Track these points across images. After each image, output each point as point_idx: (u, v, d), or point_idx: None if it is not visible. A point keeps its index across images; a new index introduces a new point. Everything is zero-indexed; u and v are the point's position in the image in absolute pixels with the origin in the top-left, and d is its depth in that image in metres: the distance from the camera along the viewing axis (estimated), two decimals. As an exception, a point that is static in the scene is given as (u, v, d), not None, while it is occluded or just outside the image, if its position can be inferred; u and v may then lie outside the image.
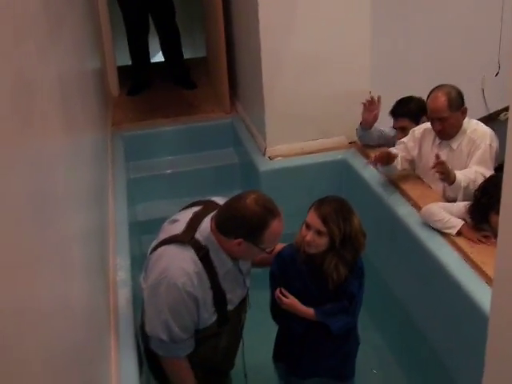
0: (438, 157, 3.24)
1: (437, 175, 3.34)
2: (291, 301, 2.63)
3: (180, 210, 2.65)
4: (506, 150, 1.35)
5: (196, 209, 2.54)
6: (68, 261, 1.77)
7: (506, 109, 5.74)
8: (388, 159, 3.52)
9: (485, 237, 3.01)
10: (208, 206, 2.55)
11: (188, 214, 2.52)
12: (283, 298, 2.63)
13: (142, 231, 4.22)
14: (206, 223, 2.43)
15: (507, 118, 4.71)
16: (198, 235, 2.40)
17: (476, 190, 3.07)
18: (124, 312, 2.70)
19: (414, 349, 3.41)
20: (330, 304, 2.62)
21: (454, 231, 3.12)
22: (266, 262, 2.72)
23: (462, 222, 3.11)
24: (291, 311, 2.64)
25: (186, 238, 2.40)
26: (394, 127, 3.91)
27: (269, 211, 2.35)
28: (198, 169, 4.80)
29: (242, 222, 2.34)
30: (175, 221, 2.53)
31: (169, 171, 4.80)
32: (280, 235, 2.43)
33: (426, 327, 3.34)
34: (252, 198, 2.35)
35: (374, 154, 3.90)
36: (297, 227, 2.65)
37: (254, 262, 2.71)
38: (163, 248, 2.42)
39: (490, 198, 2.89)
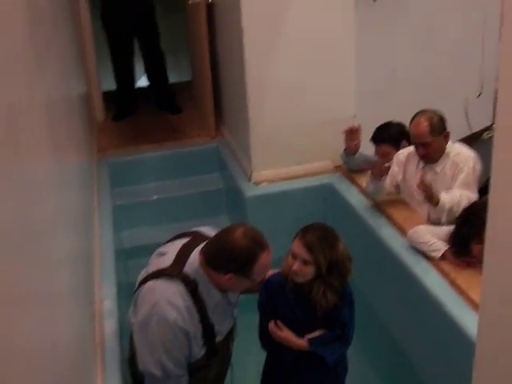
0: (422, 177, 3.26)
1: (422, 197, 3.36)
2: (285, 334, 2.62)
3: (167, 242, 2.63)
4: (491, 179, 1.36)
5: (184, 241, 2.53)
6: (53, 290, 1.76)
7: (488, 128, 5.83)
8: (381, 171, 3.54)
9: (468, 262, 3.01)
10: (196, 237, 2.54)
11: (176, 246, 2.51)
12: (277, 332, 2.62)
13: (128, 258, 4.20)
14: (195, 256, 2.42)
15: (490, 137, 4.79)
16: (187, 269, 2.39)
17: (457, 218, 3.09)
18: (111, 343, 2.67)
19: (401, 374, 3.40)
20: (320, 331, 2.61)
21: (438, 254, 3.13)
22: (253, 288, 2.71)
23: (447, 247, 3.12)
24: (284, 343, 2.63)
25: (174, 272, 2.39)
26: (375, 153, 3.93)
27: (258, 244, 2.35)
28: (183, 194, 4.79)
29: (232, 258, 2.34)
30: (163, 253, 2.51)
31: (154, 197, 4.79)
32: (269, 266, 2.44)
33: (413, 352, 3.33)
34: (240, 231, 2.35)
35: (359, 177, 3.95)
36: (283, 252, 2.65)
37: (244, 290, 2.70)
38: (152, 282, 2.40)
39: (471, 227, 2.91)
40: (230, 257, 2.34)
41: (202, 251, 2.41)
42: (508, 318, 1.46)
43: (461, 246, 3.03)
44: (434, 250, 3.15)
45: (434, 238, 3.18)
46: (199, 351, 2.44)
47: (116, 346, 2.69)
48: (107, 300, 3.00)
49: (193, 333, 2.38)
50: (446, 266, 3.09)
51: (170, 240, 2.62)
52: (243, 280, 2.39)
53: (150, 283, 2.41)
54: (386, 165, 3.57)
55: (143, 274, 2.51)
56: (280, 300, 2.64)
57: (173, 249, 2.50)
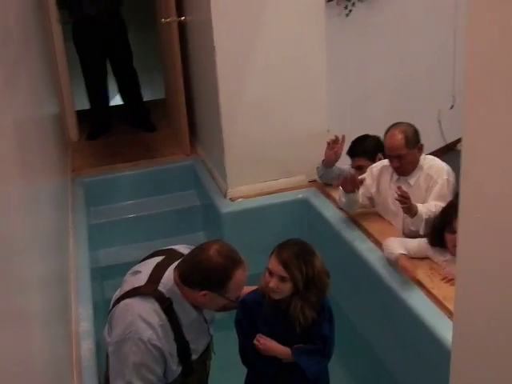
0: (400, 188, 3.29)
1: (397, 208, 3.40)
2: (270, 343, 2.60)
3: (141, 261, 2.61)
4: (460, 183, 1.38)
5: (158, 259, 2.52)
6: (27, 311, 1.74)
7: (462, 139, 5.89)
8: (353, 184, 3.55)
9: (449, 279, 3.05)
10: (170, 255, 2.53)
11: (150, 264, 2.50)
12: (261, 341, 2.60)
13: (104, 277, 4.17)
14: (169, 274, 2.41)
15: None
16: (162, 287, 2.38)
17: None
18: (88, 364, 2.65)
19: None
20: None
21: (391, 257, 3.18)
22: (229, 306, 2.71)
23: (402, 254, 3.16)
24: (269, 353, 2.62)
25: (149, 291, 2.37)
26: (351, 166, 3.96)
27: (232, 261, 2.35)
28: (159, 212, 4.77)
29: (207, 275, 2.33)
30: (137, 272, 2.50)
31: (130, 215, 4.76)
32: (244, 283, 2.43)
33: (392, 363, 3.34)
34: (215, 249, 2.34)
35: (334, 191, 3.96)
36: (260, 268, 2.65)
37: (220, 308, 2.70)
38: (126, 301, 2.39)
39: (445, 217, 3.03)
40: (205, 274, 2.33)
41: (177, 269, 2.40)
42: (481, 325, 1.47)
43: (435, 236, 3.12)
44: (391, 253, 3.19)
45: (397, 245, 3.22)
46: (175, 370, 2.43)
47: (93, 367, 2.66)
48: (84, 321, 2.97)
49: (168, 351, 2.36)
50: (421, 277, 3.11)
51: (145, 258, 2.61)
52: (218, 297, 2.38)
53: (124, 302, 2.39)
54: (360, 177, 3.59)
55: (118, 293, 2.50)
56: (258, 318, 2.63)
57: (147, 267, 2.48)
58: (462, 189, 1.40)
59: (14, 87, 2.17)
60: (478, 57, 1.21)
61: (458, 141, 5.93)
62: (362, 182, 3.59)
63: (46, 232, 2.58)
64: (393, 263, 3.20)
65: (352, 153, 3.92)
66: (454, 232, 2.99)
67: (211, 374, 2.73)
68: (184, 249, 2.55)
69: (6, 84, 1.96)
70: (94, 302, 3.20)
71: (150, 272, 2.44)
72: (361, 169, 3.82)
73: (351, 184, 3.54)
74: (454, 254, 3.06)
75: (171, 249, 2.60)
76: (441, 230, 3.09)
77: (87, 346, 2.76)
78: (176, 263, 2.43)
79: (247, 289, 2.69)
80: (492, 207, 1.31)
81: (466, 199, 1.39)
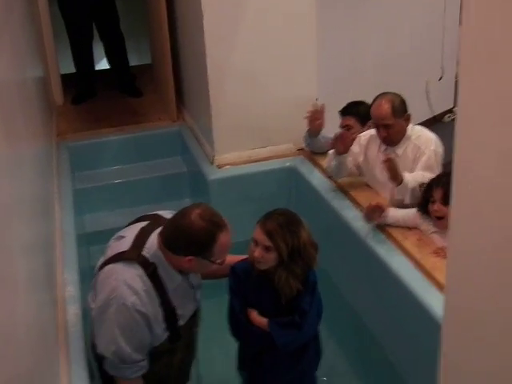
0: (387, 155, 3.30)
1: (384, 178, 3.39)
2: (251, 312, 2.61)
3: (126, 226, 2.60)
4: (454, 153, 1.36)
5: (142, 224, 2.50)
6: (10, 276, 1.72)
7: (450, 111, 5.91)
8: (345, 143, 3.53)
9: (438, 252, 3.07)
10: (154, 220, 2.51)
11: (134, 230, 2.48)
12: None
13: (90, 242, 4.15)
14: (153, 239, 2.39)
15: (451, 120, 4.84)
16: (146, 252, 2.37)
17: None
18: (74, 329, 2.63)
19: (370, 356, 3.43)
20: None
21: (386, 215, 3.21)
22: (220, 273, 2.71)
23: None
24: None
25: (133, 256, 2.36)
26: (340, 126, 3.93)
27: (215, 225, 2.33)
28: (145, 178, 4.74)
29: (191, 240, 2.32)
30: (121, 237, 2.49)
31: (116, 181, 4.73)
32: (229, 246, 2.42)
33: (379, 333, 3.36)
34: (197, 213, 2.32)
35: (322, 159, 3.95)
36: (247, 235, 2.64)
37: (209, 275, 2.69)
38: (110, 266, 2.37)
39: (430, 188, 3.05)
40: (189, 239, 2.32)
41: (161, 234, 2.39)
42: (473, 298, 1.47)
43: (423, 205, 3.13)
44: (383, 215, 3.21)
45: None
46: (161, 335, 2.42)
47: (79, 332, 2.65)
48: (70, 286, 2.95)
49: (153, 316, 2.36)
50: (409, 246, 3.11)
51: (129, 224, 2.59)
52: (204, 261, 2.37)
53: (108, 267, 2.38)
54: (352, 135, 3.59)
55: (102, 259, 2.48)
56: (247, 287, 2.63)
57: (131, 232, 2.47)
58: (455, 160, 1.38)
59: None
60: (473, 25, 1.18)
61: (446, 112, 5.92)
62: (352, 141, 3.56)
63: (31, 197, 2.55)
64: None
65: (344, 111, 3.91)
66: (433, 201, 3.01)
67: (199, 343, 2.73)
68: (169, 214, 2.53)
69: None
70: (79, 268, 3.18)
71: (134, 237, 2.43)
72: (348, 129, 3.81)
73: (343, 143, 3.52)
74: (436, 225, 3.08)
75: (156, 214, 2.58)
76: (426, 202, 3.10)
77: (73, 312, 2.75)
78: (160, 229, 2.41)
79: (237, 257, 2.69)
80: (487, 179, 1.30)
81: (459, 171, 1.37)
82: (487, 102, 1.24)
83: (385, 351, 3.30)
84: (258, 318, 2.61)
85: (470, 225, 1.41)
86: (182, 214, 2.37)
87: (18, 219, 2.03)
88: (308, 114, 3.87)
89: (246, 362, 2.82)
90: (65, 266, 3.12)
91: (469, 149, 1.32)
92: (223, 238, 2.35)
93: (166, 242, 2.35)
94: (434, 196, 3.01)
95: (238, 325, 2.66)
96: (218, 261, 2.40)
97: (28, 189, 2.51)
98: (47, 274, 2.66)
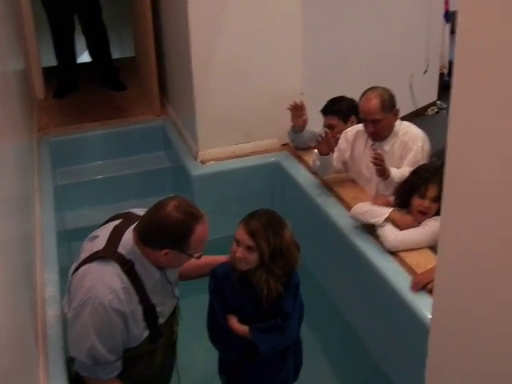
0: (375, 150, 3.27)
1: (371, 174, 3.38)
2: (230, 320, 2.56)
3: (99, 226, 2.54)
4: (447, 149, 1.32)
5: (116, 222, 2.44)
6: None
7: (433, 104, 5.92)
8: (329, 145, 3.48)
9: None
10: (128, 218, 2.45)
11: (108, 228, 2.42)
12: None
13: (71, 239, 4.09)
14: (128, 236, 2.33)
15: (435, 113, 4.86)
16: (121, 249, 2.31)
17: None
18: (53, 331, 2.58)
19: (354, 355, 3.40)
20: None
21: (381, 219, 3.10)
22: (199, 273, 2.66)
23: (390, 209, 3.11)
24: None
25: (108, 253, 2.30)
26: (323, 126, 3.91)
27: (191, 216, 2.27)
28: (128, 174, 4.69)
29: (166, 232, 2.26)
30: (95, 237, 2.42)
31: (98, 177, 4.67)
32: (206, 238, 2.35)
33: (364, 331, 3.33)
34: (172, 205, 2.26)
35: (306, 155, 3.91)
36: (229, 231, 2.60)
37: (189, 275, 2.65)
38: (85, 267, 2.31)
39: (418, 179, 3.00)
40: (165, 232, 2.26)
41: (136, 229, 2.33)
42: (462, 300, 1.44)
43: (402, 198, 3.10)
44: (376, 216, 3.12)
45: (375, 206, 3.18)
46: (141, 334, 2.37)
47: (59, 333, 2.60)
48: (50, 286, 2.90)
49: (131, 314, 2.30)
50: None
51: (102, 224, 2.53)
52: (181, 255, 2.32)
53: (83, 268, 2.31)
54: (335, 137, 3.54)
55: (75, 262, 2.41)
56: (227, 291, 2.57)
57: (104, 231, 2.41)
58: (448, 153, 1.34)
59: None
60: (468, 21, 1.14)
61: (429, 106, 5.93)
62: (336, 142, 3.53)
63: (9, 193, 2.49)
64: (376, 224, 3.14)
65: (326, 111, 3.88)
66: (423, 197, 2.98)
67: (180, 343, 2.68)
68: (141, 212, 2.47)
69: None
70: (60, 267, 3.12)
71: (107, 235, 2.37)
72: (332, 128, 3.78)
73: (327, 145, 3.49)
74: (417, 218, 3.04)
75: (128, 212, 2.53)
76: (410, 192, 3.06)
77: (53, 313, 2.69)
78: (135, 224, 2.35)
79: (218, 258, 2.64)
80: (479, 180, 1.26)
81: (451, 167, 1.33)
82: (480, 101, 1.20)
83: (368, 349, 3.27)
84: (237, 326, 2.56)
85: (460, 226, 1.38)
86: (157, 207, 2.31)
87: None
88: (289, 107, 3.84)
89: (226, 367, 2.77)
90: (45, 265, 3.06)
91: (461, 146, 1.28)
92: (200, 230, 2.29)
93: (142, 237, 2.30)
94: (425, 192, 2.97)
95: (219, 330, 2.61)
96: (196, 254, 2.34)
97: (6, 185, 2.45)
98: (26, 273, 2.60)
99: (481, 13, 1.09)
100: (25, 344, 2.21)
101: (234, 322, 2.56)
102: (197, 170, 4.18)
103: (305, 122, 3.92)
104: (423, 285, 2.78)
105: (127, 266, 2.29)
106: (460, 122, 1.24)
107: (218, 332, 2.63)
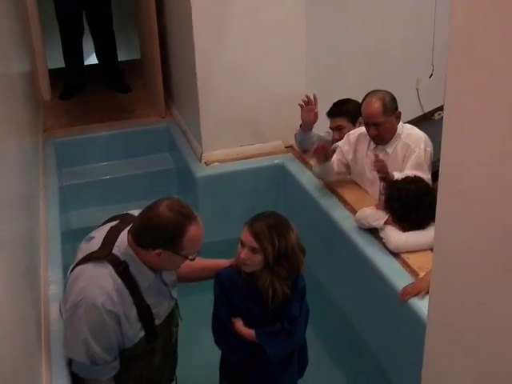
0: (377, 156, 3.27)
1: (374, 176, 3.38)
2: (236, 323, 2.56)
3: (98, 227, 2.55)
4: (441, 162, 1.34)
5: (112, 224, 2.45)
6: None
7: (440, 108, 5.90)
8: (325, 154, 3.50)
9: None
10: (124, 219, 2.45)
11: (104, 229, 2.43)
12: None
13: (76, 239, 4.08)
14: (123, 237, 2.34)
15: (441, 117, 4.81)
16: (116, 250, 2.31)
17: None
18: (57, 328, 2.58)
19: (356, 355, 3.41)
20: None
21: (382, 222, 3.13)
22: (203, 275, 2.67)
23: (387, 215, 3.14)
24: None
25: (102, 255, 2.30)
26: (330, 127, 3.90)
27: (184, 217, 2.26)
28: (133, 174, 4.71)
29: (158, 232, 2.26)
30: (91, 238, 2.43)
31: (103, 177, 4.69)
32: (200, 239, 2.34)
33: (366, 333, 3.34)
34: (165, 205, 2.26)
35: (311, 158, 3.91)
36: (234, 233, 2.60)
37: (192, 277, 2.65)
38: (80, 268, 2.32)
39: (404, 206, 3.05)
40: (157, 232, 2.25)
41: (130, 231, 2.34)
42: (457, 302, 1.45)
43: (400, 217, 3.10)
44: (378, 219, 3.16)
45: (375, 209, 3.21)
46: (135, 335, 2.37)
47: (62, 330, 2.60)
48: (53, 284, 2.91)
49: (124, 316, 2.30)
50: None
51: (101, 225, 2.54)
52: (174, 257, 2.31)
53: (77, 269, 2.32)
54: (333, 146, 3.56)
55: (74, 262, 2.43)
56: (233, 294, 2.57)
57: (100, 233, 2.41)
58: (442, 159, 1.36)
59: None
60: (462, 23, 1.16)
61: (436, 110, 5.92)
62: (333, 152, 3.54)
63: (14, 192, 2.51)
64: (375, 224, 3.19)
65: (333, 113, 3.86)
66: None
67: (180, 345, 2.69)
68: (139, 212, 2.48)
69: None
70: (64, 266, 3.13)
71: (103, 237, 2.37)
72: (340, 129, 3.78)
73: (323, 153, 3.50)
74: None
75: (127, 213, 2.53)
76: (406, 214, 3.08)
77: (57, 310, 2.70)
78: (130, 226, 2.36)
79: (222, 262, 2.65)
80: (474, 178, 1.27)
81: (446, 170, 1.35)
82: (474, 105, 1.22)
83: (371, 350, 3.28)
84: (243, 329, 2.56)
85: (455, 226, 1.39)
86: (150, 207, 2.31)
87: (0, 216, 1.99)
88: (301, 105, 3.84)
89: (228, 369, 2.78)
90: (49, 264, 3.08)
91: (456, 152, 1.30)
92: (193, 231, 2.27)
93: (135, 237, 2.30)
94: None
95: (225, 333, 2.61)
96: (190, 256, 2.34)
97: (12, 184, 2.47)
98: (30, 271, 2.62)
99: (473, 13, 1.10)
100: (29, 340, 2.23)
101: (239, 326, 2.56)
102: (201, 172, 4.19)
103: (316, 116, 3.88)
104: (413, 295, 2.80)
105: (121, 268, 2.29)
106: (454, 122, 1.26)
107: (223, 335, 2.62)
